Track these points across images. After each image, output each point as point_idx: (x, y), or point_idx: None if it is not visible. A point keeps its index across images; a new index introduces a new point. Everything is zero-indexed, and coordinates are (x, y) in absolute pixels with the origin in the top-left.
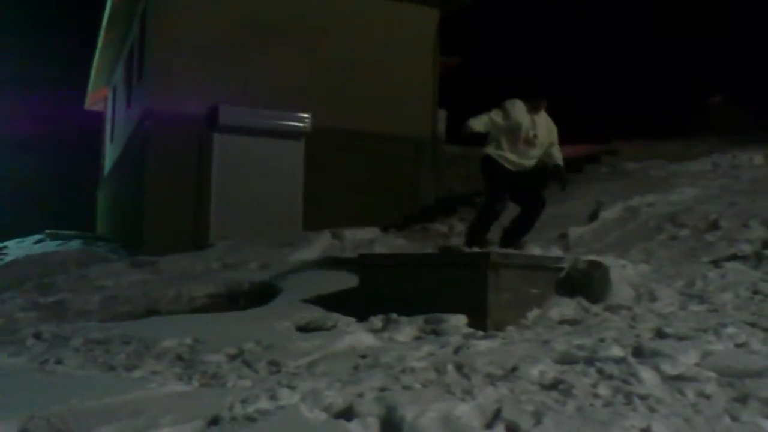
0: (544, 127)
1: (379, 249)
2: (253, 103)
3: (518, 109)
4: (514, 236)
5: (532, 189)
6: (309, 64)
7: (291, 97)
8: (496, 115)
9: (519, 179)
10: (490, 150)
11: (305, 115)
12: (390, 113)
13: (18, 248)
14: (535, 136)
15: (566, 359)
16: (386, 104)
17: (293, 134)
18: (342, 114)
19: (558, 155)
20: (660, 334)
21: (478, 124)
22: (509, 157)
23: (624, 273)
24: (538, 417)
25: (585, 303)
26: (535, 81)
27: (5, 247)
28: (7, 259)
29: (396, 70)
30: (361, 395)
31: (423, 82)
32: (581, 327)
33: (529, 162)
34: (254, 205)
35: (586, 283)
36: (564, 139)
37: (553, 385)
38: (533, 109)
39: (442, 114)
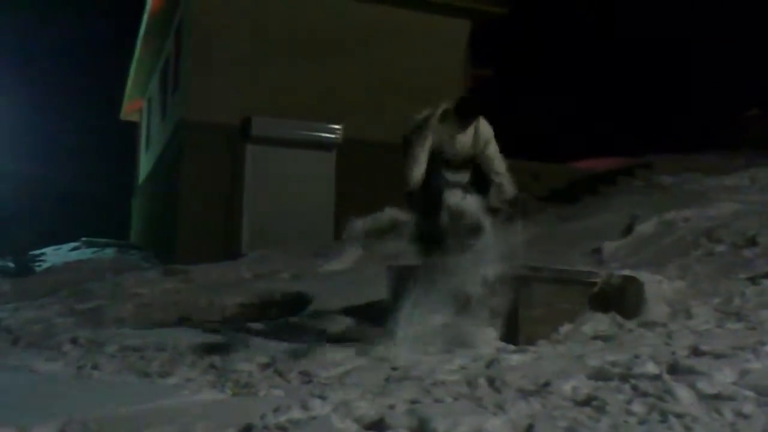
0: (468, 141)
1: (409, 261)
2: (286, 114)
3: (433, 129)
4: None
5: None
6: (341, 76)
7: (323, 109)
8: (422, 146)
9: None
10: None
11: (337, 127)
12: None
13: (55, 255)
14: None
15: (600, 375)
16: (417, 115)
17: (325, 145)
18: (373, 125)
19: (502, 178)
20: (696, 352)
21: (417, 171)
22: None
23: (659, 289)
24: None
25: (619, 319)
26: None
27: (43, 254)
28: (45, 265)
29: (427, 81)
30: (392, 407)
31: (454, 94)
32: (615, 343)
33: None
34: (286, 216)
35: (621, 299)
36: (598, 152)
37: (587, 402)
38: (458, 126)
39: None
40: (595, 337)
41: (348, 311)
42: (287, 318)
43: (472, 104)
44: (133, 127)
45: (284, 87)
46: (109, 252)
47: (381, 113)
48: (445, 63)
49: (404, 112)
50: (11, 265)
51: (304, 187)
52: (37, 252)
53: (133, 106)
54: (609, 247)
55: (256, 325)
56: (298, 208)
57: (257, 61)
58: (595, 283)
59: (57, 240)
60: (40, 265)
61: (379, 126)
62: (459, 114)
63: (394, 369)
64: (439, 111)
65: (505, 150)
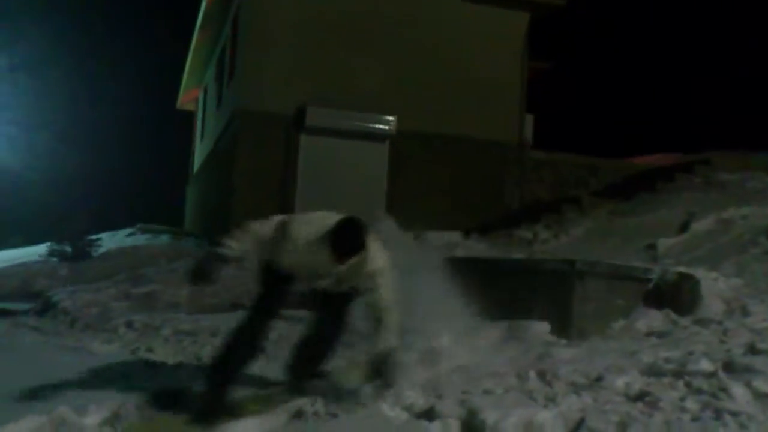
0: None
1: (461, 253)
2: (340, 105)
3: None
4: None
5: None
6: (395, 67)
7: (376, 100)
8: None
9: None
10: None
11: (390, 118)
12: (476, 117)
13: (111, 240)
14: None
15: (653, 371)
16: (472, 108)
17: (378, 136)
18: (427, 117)
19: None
20: (753, 350)
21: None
22: None
23: (715, 286)
24: (623, 428)
25: (673, 315)
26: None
27: (99, 239)
28: (101, 250)
29: (483, 73)
30: (441, 397)
31: (510, 87)
32: (669, 339)
33: None
34: (338, 206)
35: (675, 295)
36: (657, 147)
37: (639, 397)
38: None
39: (530, 119)
40: (649, 333)
41: (398, 301)
42: None
43: (349, 237)
44: (189, 116)
45: (339, 77)
46: (164, 239)
47: (435, 105)
48: (503, 55)
49: (459, 103)
50: (69, 249)
51: (357, 177)
52: (94, 237)
53: (189, 96)
54: (664, 243)
55: (306, 313)
56: (349, 198)
57: (312, 52)
58: (649, 280)
59: (113, 226)
60: (96, 250)
61: (432, 118)
62: (335, 247)
63: (445, 359)
64: (289, 223)
65: (562, 144)
